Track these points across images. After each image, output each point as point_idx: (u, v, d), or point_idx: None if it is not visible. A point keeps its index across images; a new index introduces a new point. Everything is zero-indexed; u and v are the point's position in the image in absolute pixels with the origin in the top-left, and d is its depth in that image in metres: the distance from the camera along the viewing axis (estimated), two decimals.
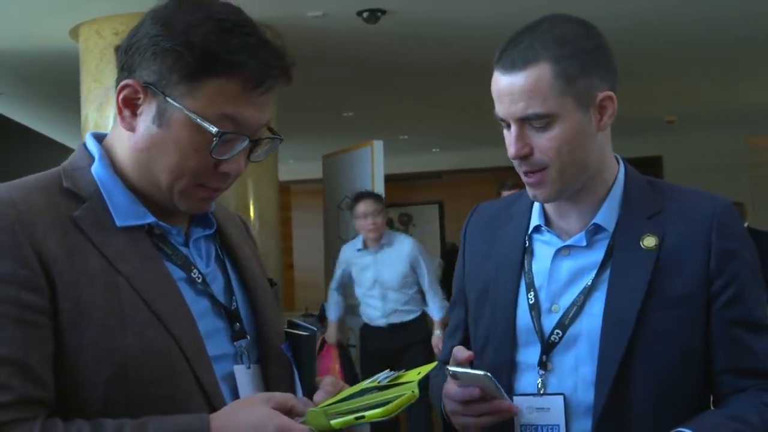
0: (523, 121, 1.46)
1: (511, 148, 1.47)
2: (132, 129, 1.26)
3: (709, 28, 6.45)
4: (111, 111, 5.58)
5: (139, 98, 1.25)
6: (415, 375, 1.27)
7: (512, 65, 1.45)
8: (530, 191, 1.53)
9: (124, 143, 1.28)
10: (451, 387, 1.47)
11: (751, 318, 1.49)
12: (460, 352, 1.47)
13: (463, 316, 1.72)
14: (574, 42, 1.46)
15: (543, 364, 1.52)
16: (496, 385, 1.40)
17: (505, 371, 1.55)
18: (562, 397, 1.49)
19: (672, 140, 12.26)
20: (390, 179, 6.55)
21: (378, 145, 6.13)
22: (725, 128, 11.70)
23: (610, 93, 1.49)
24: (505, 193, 5.85)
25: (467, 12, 5.83)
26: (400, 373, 1.31)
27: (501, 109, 1.48)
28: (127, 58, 1.26)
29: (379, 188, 6.12)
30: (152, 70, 1.23)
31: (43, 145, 6.34)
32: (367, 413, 1.17)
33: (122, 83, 1.25)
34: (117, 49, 1.29)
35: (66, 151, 7.89)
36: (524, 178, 1.51)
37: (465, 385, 1.43)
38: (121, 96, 1.25)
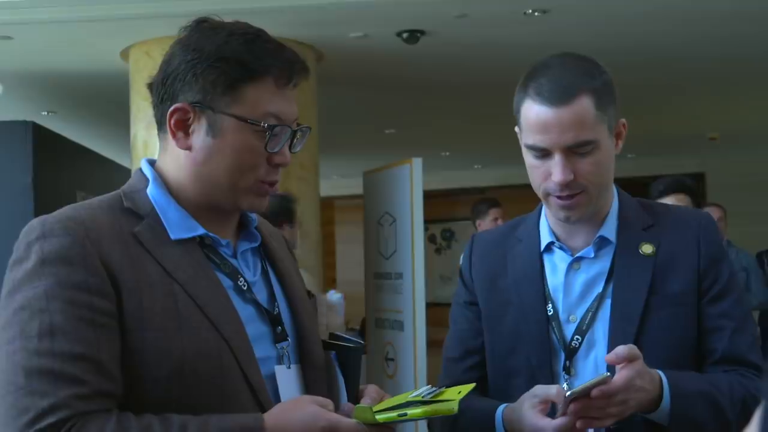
0: (569, 150, 1.59)
1: (558, 175, 1.60)
2: (188, 148, 1.40)
3: (752, 45, 6.45)
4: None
5: (189, 118, 1.39)
6: (455, 393, 1.39)
7: (559, 99, 1.58)
8: (563, 213, 1.66)
9: (180, 163, 1.43)
10: (544, 421, 1.52)
11: (734, 313, 1.69)
12: (555, 391, 1.54)
13: (480, 326, 1.81)
14: (600, 75, 1.63)
15: (567, 369, 1.67)
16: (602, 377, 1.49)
17: (544, 377, 1.66)
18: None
19: (715, 157, 12.18)
20: (432, 195, 6.63)
21: (417, 162, 6.20)
22: None
23: (624, 120, 1.67)
24: (483, 222, 6.08)
25: (503, 33, 5.93)
26: (442, 389, 1.42)
27: (546, 139, 1.60)
28: (166, 88, 1.41)
29: (418, 204, 6.21)
30: (196, 90, 1.38)
31: (92, 161, 6.56)
32: (409, 411, 1.30)
33: (171, 109, 1.39)
34: (150, 86, 1.45)
35: (114, 167, 8.12)
36: (558, 202, 1.64)
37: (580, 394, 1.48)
38: (172, 121, 1.40)
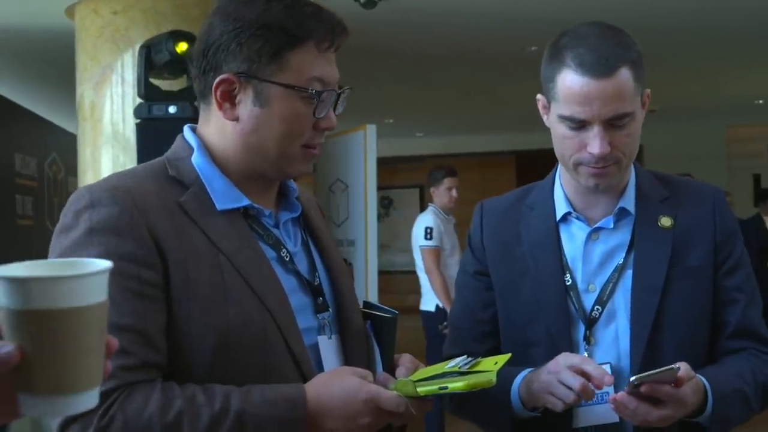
0: (607, 122, 1.58)
1: (596, 147, 1.59)
2: (235, 118, 1.38)
3: (693, 20, 6.57)
4: (108, 89, 5.60)
5: (235, 89, 1.37)
6: (492, 364, 1.38)
7: (602, 70, 1.56)
8: (593, 181, 1.64)
9: (226, 133, 1.41)
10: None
11: (745, 287, 1.72)
12: (602, 371, 1.52)
13: (487, 297, 1.81)
14: (633, 46, 1.62)
15: (587, 339, 1.67)
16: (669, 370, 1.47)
17: (565, 346, 1.66)
18: (608, 365, 1.63)
19: (653, 130, 12.38)
20: None
21: (371, 129, 6.16)
22: (706, 119, 11.89)
23: (648, 90, 1.67)
24: (437, 190, 6.09)
25: (460, 1, 5.90)
26: (478, 360, 1.42)
27: (586, 111, 1.58)
28: (207, 59, 1.38)
29: (372, 171, 6.18)
30: (240, 60, 1.36)
31: (31, 123, 6.34)
32: (450, 384, 1.29)
33: (217, 80, 1.37)
34: (189, 57, 1.40)
35: (54, 129, 7.86)
36: (590, 170, 1.63)
37: (656, 381, 1.46)
38: (218, 93, 1.37)
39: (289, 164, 1.42)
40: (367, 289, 5.92)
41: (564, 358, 1.55)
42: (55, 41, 6.39)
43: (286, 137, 1.38)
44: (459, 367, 1.39)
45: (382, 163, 13.95)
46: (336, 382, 1.29)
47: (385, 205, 15.24)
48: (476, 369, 1.39)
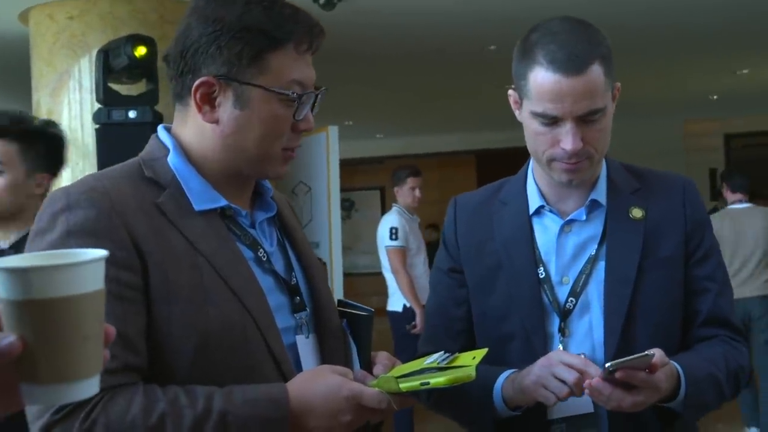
0: (579, 118, 1.58)
1: (569, 144, 1.59)
2: (215, 121, 1.37)
3: (650, 16, 6.65)
4: (65, 95, 5.52)
5: (215, 91, 1.36)
6: (470, 359, 1.39)
7: (574, 67, 1.56)
8: (566, 176, 1.65)
9: (205, 135, 1.40)
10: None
11: (716, 276, 1.74)
12: (580, 359, 1.54)
13: (460, 294, 1.81)
14: (603, 41, 1.63)
15: (562, 331, 1.67)
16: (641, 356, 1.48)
17: (540, 339, 1.67)
18: (583, 355, 1.62)
19: (613, 125, 12.55)
20: None
21: (333, 131, 6.17)
22: (663, 114, 12.04)
23: (618, 84, 1.67)
24: (401, 190, 6.10)
25: (420, 3, 5.92)
26: (456, 355, 1.43)
27: (558, 108, 1.58)
28: (185, 61, 1.37)
29: (335, 173, 6.17)
30: (220, 63, 1.35)
31: None
32: (432, 380, 1.29)
33: (197, 83, 1.35)
34: (165, 58, 1.41)
35: None
36: (563, 166, 1.63)
37: (630, 367, 1.46)
38: (198, 95, 1.36)
39: (269, 165, 1.42)
40: (332, 290, 5.89)
41: (558, 354, 1.56)
42: (9, 47, 6.29)
43: (265, 139, 1.38)
44: (438, 363, 1.39)
45: (343, 164, 13.92)
46: (318, 380, 1.29)
47: (346, 207, 15.20)
48: (455, 364, 1.40)
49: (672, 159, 11.86)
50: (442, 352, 1.44)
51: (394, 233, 5.93)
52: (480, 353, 1.41)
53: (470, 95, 9.75)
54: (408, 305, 5.76)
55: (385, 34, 6.81)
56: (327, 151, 6.21)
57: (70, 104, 5.52)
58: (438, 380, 1.29)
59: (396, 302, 5.95)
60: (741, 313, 5.38)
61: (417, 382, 1.29)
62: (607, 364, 1.45)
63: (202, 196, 1.38)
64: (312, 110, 1.43)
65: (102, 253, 0.85)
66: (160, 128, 1.46)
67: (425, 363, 1.40)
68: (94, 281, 0.84)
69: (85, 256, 0.85)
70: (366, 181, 14.94)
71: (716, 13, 6.71)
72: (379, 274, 6.24)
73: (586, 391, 1.49)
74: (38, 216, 1.30)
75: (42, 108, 5.66)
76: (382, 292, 6.19)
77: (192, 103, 1.37)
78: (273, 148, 1.39)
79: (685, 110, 12.00)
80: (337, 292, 5.86)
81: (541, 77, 1.59)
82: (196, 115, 1.38)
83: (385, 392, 1.28)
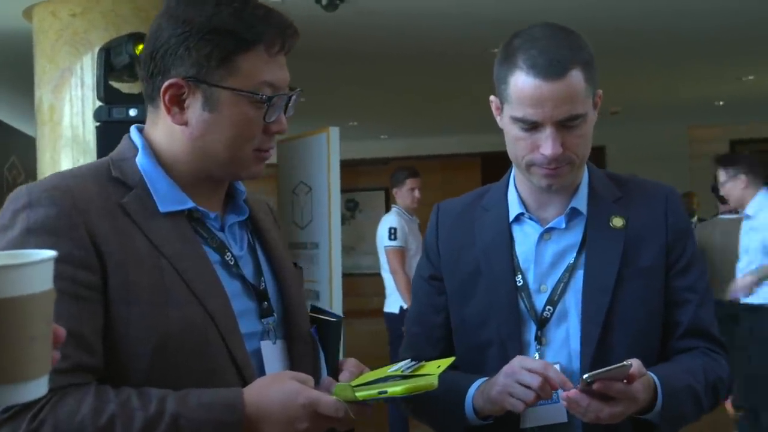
0: (559, 123, 1.58)
1: (549, 149, 1.59)
2: (184, 123, 1.37)
3: (655, 22, 6.63)
4: (67, 92, 5.54)
5: (183, 93, 1.35)
6: (435, 368, 1.38)
7: (554, 72, 1.56)
8: (546, 181, 1.65)
9: (175, 137, 1.39)
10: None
11: (698, 286, 1.73)
12: (555, 372, 1.52)
13: (440, 302, 1.81)
14: (585, 48, 1.62)
15: (539, 339, 1.67)
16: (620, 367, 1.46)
17: (516, 347, 1.66)
18: (558, 365, 1.63)
19: (616, 131, 12.52)
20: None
21: (334, 131, 6.16)
22: (668, 119, 12.01)
23: (600, 91, 1.67)
24: (400, 191, 6.11)
25: (423, 3, 5.91)
26: (422, 363, 1.42)
27: (538, 113, 1.58)
28: (155, 62, 1.36)
29: (335, 174, 6.17)
30: (189, 65, 1.34)
31: None
32: (389, 389, 1.28)
33: (165, 85, 1.35)
34: (138, 61, 1.38)
35: (9, 132, 7.75)
36: (542, 171, 1.63)
37: (608, 378, 1.45)
38: (166, 97, 1.35)
39: (241, 167, 1.41)
40: (332, 292, 5.90)
41: (519, 361, 1.55)
42: (13, 44, 6.30)
43: (236, 142, 1.37)
44: (402, 371, 1.38)
45: (347, 165, 13.98)
46: (275, 386, 1.27)
47: (350, 208, 15.21)
48: (419, 372, 1.39)
49: (676, 165, 11.84)
50: (408, 360, 1.43)
51: (393, 233, 5.94)
52: (445, 362, 1.40)
53: (474, 97, 9.73)
54: (405, 307, 5.75)
55: (387, 35, 6.80)
56: (328, 152, 6.20)
57: (72, 101, 5.54)
58: (395, 389, 1.28)
59: (393, 303, 5.95)
60: None
61: (375, 391, 1.28)
62: (585, 376, 1.44)
63: (169, 198, 1.37)
64: (285, 112, 1.42)
65: (50, 254, 0.85)
66: (132, 128, 1.45)
67: (390, 371, 1.39)
68: (42, 282, 0.84)
69: (32, 257, 0.84)
70: (371, 181, 14.93)
71: (722, 20, 6.69)
72: (382, 275, 6.23)
73: (564, 403, 1.49)
74: (1, 213, 1.30)
75: (44, 104, 5.68)
76: (384, 293, 6.19)
77: (161, 104, 1.37)
78: (243, 151, 1.38)
79: (690, 116, 11.95)
80: (337, 293, 5.86)
81: (522, 82, 1.59)
82: (166, 116, 1.38)
83: (342, 400, 1.26)
